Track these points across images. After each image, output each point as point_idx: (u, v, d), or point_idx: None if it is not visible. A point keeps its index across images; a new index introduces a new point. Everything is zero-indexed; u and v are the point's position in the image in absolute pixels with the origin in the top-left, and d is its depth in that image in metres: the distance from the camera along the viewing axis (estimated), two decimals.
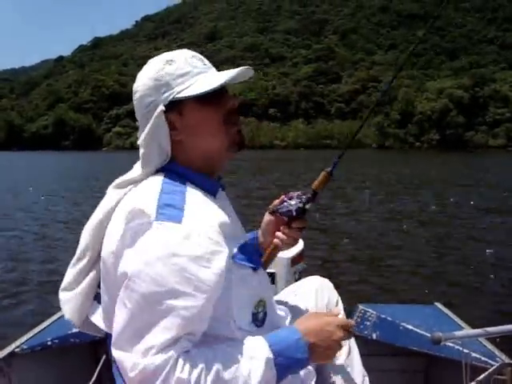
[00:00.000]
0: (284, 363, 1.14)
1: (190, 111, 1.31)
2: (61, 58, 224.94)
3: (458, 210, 12.69)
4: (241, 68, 1.32)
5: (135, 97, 1.34)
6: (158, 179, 1.28)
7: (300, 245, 3.14)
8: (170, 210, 1.17)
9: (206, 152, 1.33)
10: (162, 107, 1.28)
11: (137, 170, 1.36)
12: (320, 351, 1.21)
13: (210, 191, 1.35)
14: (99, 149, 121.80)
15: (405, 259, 7.09)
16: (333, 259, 6.92)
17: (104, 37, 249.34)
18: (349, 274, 6.26)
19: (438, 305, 2.89)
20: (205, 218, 1.19)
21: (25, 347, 2.30)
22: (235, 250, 1.27)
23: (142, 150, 1.34)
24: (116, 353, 1.07)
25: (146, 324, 1.06)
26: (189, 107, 1.30)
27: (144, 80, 1.33)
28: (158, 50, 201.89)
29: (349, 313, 2.41)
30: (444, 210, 12.70)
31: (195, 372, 1.03)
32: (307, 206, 1.57)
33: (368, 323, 2.65)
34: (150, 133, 1.30)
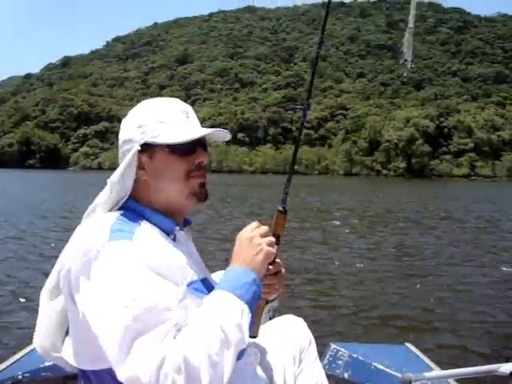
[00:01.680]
0: (243, 291, 1.20)
1: (159, 157, 1.40)
2: (29, 75, 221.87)
3: (428, 244, 12.89)
4: (217, 129, 1.45)
5: (121, 130, 1.47)
6: (113, 215, 1.35)
7: None
8: (121, 233, 1.25)
9: (166, 196, 1.43)
10: (137, 147, 1.38)
11: (101, 198, 1.42)
12: (253, 261, 1.28)
13: (165, 230, 1.40)
14: (66, 168, 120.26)
15: (377, 297, 7.07)
16: (306, 297, 6.89)
17: (74, 56, 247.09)
18: (322, 311, 6.21)
19: (409, 345, 2.95)
20: (151, 245, 1.29)
21: None
22: (190, 280, 1.33)
23: (112, 183, 1.40)
24: (124, 375, 1.07)
25: (132, 334, 1.08)
26: (159, 153, 1.40)
27: (131, 118, 1.45)
28: (128, 71, 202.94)
29: (321, 351, 2.37)
30: (416, 244, 12.79)
31: (186, 349, 1.04)
32: (272, 250, 1.47)
33: (340, 362, 2.67)
34: (122, 169, 1.39)
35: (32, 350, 2.46)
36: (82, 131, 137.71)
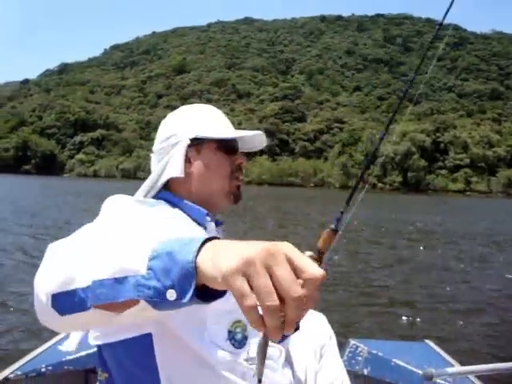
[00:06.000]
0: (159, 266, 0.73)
1: (207, 151, 1.45)
2: (26, 80, 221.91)
3: (445, 256, 12.99)
4: (257, 132, 1.50)
5: (163, 127, 1.50)
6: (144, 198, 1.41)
7: None
8: (142, 203, 1.31)
9: (209, 190, 1.46)
10: (187, 141, 1.43)
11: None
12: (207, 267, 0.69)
13: (197, 220, 1.39)
14: (61, 175, 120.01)
15: (396, 296, 7.21)
16: (325, 294, 6.96)
17: (72, 62, 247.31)
18: (341, 308, 6.31)
19: (429, 342, 2.95)
20: (171, 216, 1.32)
21: (19, 373, 2.27)
22: None
23: (151, 176, 1.44)
24: None
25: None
26: (207, 148, 1.44)
27: (177, 115, 1.51)
28: (125, 80, 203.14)
29: (341, 348, 2.33)
30: (432, 254, 12.95)
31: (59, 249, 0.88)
32: None
33: (359, 358, 2.68)
34: (167, 161, 1.43)
35: (55, 342, 2.54)
36: (78, 138, 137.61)
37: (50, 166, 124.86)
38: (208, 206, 1.44)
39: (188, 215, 1.38)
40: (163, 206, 1.35)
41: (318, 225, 17.79)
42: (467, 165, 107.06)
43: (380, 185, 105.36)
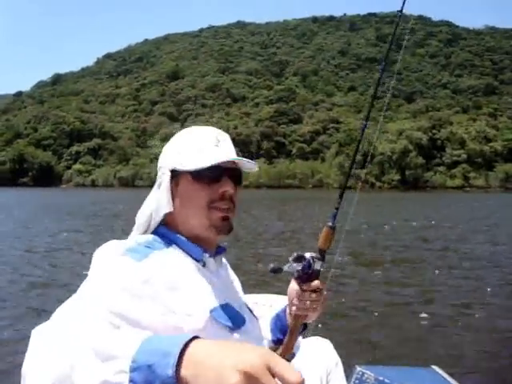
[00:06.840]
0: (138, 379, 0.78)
1: (184, 183, 1.39)
2: (19, 93, 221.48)
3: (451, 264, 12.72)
4: (240, 158, 1.39)
5: (160, 157, 1.48)
6: (139, 237, 1.36)
7: None
8: (133, 253, 1.22)
9: (189, 224, 1.40)
10: (168, 173, 1.40)
11: (140, 219, 1.45)
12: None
13: (194, 257, 1.38)
14: (58, 186, 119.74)
15: (401, 319, 6.91)
16: (332, 318, 6.68)
17: (65, 73, 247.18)
18: (348, 333, 6.05)
19: (435, 368, 2.88)
20: (162, 270, 1.23)
21: None
22: (212, 306, 1.27)
23: (146, 210, 1.44)
24: None
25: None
26: (184, 179, 1.39)
27: (167, 145, 1.47)
28: (119, 88, 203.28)
29: (347, 374, 2.25)
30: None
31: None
32: (317, 266, 1.48)
33: None
34: (154, 193, 1.43)
35: None
36: (74, 148, 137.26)
37: (47, 177, 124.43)
38: (200, 240, 1.41)
39: (184, 251, 1.37)
40: (155, 255, 1.27)
41: (320, 226, 17.55)
42: (465, 160, 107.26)
43: (378, 183, 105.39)
